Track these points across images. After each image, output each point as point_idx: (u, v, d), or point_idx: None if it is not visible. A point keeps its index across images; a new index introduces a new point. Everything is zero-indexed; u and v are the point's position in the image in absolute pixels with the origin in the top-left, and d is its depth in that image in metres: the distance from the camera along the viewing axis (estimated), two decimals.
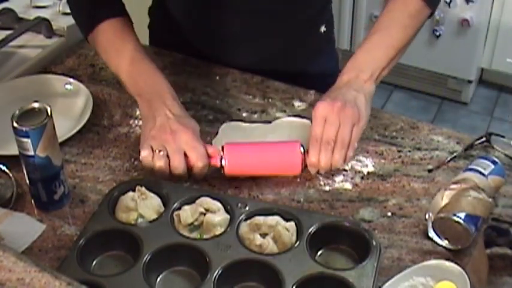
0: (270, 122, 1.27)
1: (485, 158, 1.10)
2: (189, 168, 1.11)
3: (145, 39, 1.53)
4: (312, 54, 1.44)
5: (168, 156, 1.10)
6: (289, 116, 1.29)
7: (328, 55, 1.50)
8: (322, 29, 1.41)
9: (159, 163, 1.10)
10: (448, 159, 1.18)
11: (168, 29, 1.43)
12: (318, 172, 1.14)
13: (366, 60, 1.19)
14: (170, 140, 1.11)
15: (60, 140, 1.10)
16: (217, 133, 1.24)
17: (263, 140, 1.22)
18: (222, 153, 1.12)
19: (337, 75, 1.52)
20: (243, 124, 1.27)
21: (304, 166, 1.13)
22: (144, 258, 0.97)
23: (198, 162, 1.10)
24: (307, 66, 1.44)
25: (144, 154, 1.11)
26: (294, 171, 1.14)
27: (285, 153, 1.14)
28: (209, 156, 1.12)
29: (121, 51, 1.25)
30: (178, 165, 1.10)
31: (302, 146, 1.13)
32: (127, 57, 1.24)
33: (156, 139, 1.12)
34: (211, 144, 1.20)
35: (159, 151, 1.10)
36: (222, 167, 1.12)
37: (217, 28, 1.36)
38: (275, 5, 1.32)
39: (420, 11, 1.24)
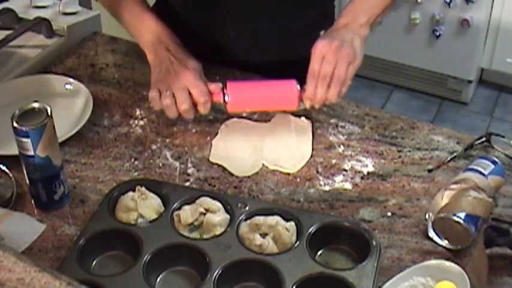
0: (269, 121, 1.27)
1: (485, 158, 1.10)
2: (194, 105, 1.19)
3: None
4: (309, 56, 1.44)
5: (173, 95, 1.18)
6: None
7: None
8: (321, 33, 1.41)
9: (166, 101, 1.18)
10: (448, 159, 1.18)
11: (169, 27, 1.43)
12: (312, 107, 1.21)
13: (362, 7, 1.27)
14: (174, 80, 1.20)
15: (60, 140, 1.10)
16: (216, 133, 1.24)
17: (262, 140, 1.22)
18: (224, 89, 1.19)
19: None
20: (243, 123, 1.27)
21: (300, 101, 1.20)
22: (144, 258, 0.97)
23: (200, 98, 1.18)
24: (305, 69, 1.44)
25: (152, 95, 1.19)
26: (291, 106, 1.21)
27: (283, 88, 1.21)
28: (212, 93, 1.19)
29: (125, 5, 1.32)
30: (183, 100, 1.17)
31: (298, 84, 1.20)
32: (130, 11, 1.31)
33: (162, 82, 1.21)
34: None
35: (166, 91, 1.18)
36: (225, 102, 1.19)
37: (216, 32, 1.37)
38: (274, 9, 1.34)
39: None
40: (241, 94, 1.20)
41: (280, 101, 1.21)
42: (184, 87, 1.19)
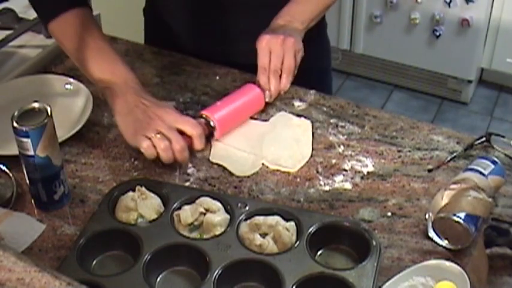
0: (268, 120, 1.27)
1: (485, 158, 1.10)
2: (188, 143, 1.15)
3: (140, 38, 1.53)
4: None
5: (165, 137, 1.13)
6: (283, 111, 1.29)
7: (319, 54, 1.52)
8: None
9: (162, 144, 1.12)
10: (448, 159, 1.18)
11: (162, 28, 1.43)
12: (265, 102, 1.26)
13: (298, 11, 1.31)
14: (160, 123, 1.14)
15: (60, 140, 1.10)
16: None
17: (262, 140, 1.22)
18: (207, 117, 1.19)
19: (330, 74, 1.56)
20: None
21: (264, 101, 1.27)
22: (144, 258, 0.97)
23: (194, 131, 1.15)
24: (300, 63, 1.45)
25: (146, 144, 1.12)
26: (260, 107, 1.28)
27: (252, 97, 1.26)
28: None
29: (86, 41, 1.24)
30: (177, 139, 1.13)
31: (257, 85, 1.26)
32: (92, 48, 1.24)
33: (146, 128, 1.14)
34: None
35: (156, 135, 1.12)
36: (212, 130, 1.20)
37: (200, 28, 1.37)
38: (260, 4, 1.34)
39: None
40: (223, 116, 1.21)
41: (253, 107, 1.27)
42: (172, 127, 1.14)
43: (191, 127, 1.15)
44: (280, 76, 1.25)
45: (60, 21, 1.26)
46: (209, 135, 1.20)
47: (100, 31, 1.28)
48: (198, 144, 1.15)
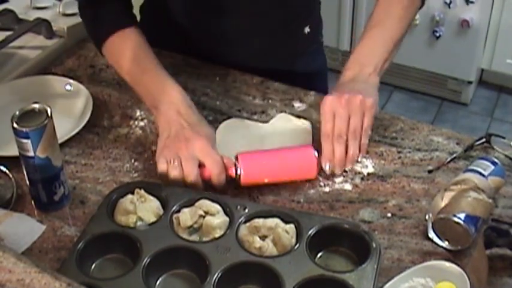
0: (267, 121, 1.27)
1: (485, 159, 1.10)
2: (207, 178, 1.10)
3: None
4: (295, 54, 1.45)
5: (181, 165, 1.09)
6: (283, 112, 1.29)
7: (314, 55, 1.51)
8: (306, 30, 1.42)
9: (173, 173, 1.08)
10: (448, 160, 1.18)
11: (160, 27, 1.44)
12: (333, 173, 1.13)
13: (368, 55, 1.21)
14: (183, 148, 1.10)
15: (60, 141, 1.10)
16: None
17: (262, 140, 1.22)
18: (236, 162, 1.11)
19: (325, 75, 1.55)
20: (241, 123, 1.27)
21: (320, 168, 1.13)
22: (144, 261, 0.97)
23: (214, 169, 1.08)
24: (293, 65, 1.45)
25: (162, 169, 1.10)
26: (309, 175, 1.13)
27: (300, 158, 1.13)
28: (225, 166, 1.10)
29: (133, 62, 1.24)
30: (190, 171, 1.08)
31: (315, 149, 1.13)
32: (139, 68, 1.23)
33: (169, 148, 1.11)
34: None
35: (173, 160, 1.09)
36: (238, 176, 1.10)
37: (201, 25, 1.37)
38: (255, 6, 1.33)
39: (412, 2, 1.28)
40: (255, 167, 1.12)
41: (298, 171, 1.13)
42: (194, 157, 1.09)
43: (212, 163, 1.09)
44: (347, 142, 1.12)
45: (111, 42, 1.25)
46: (236, 178, 1.11)
47: (150, 50, 1.26)
48: (215, 182, 1.09)
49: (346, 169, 1.16)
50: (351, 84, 1.16)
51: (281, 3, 1.36)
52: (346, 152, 1.13)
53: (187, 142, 1.10)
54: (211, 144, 1.11)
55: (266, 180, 1.12)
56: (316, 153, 1.12)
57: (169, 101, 1.18)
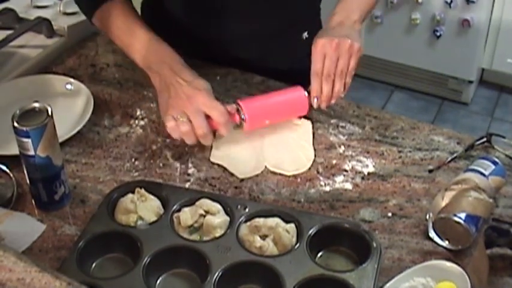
0: None
1: (486, 159, 1.10)
2: (214, 128, 1.16)
3: None
4: (292, 59, 1.45)
5: (190, 120, 1.14)
6: None
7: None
8: (305, 35, 1.42)
9: (184, 128, 1.14)
10: (449, 159, 1.18)
11: (159, 26, 1.43)
12: (318, 107, 1.22)
13: (353, 3, 1.30)
14: (187, 105, 1.15)
15: (60, 140, 1.10)
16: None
17: (262, 140, 1.22)
18: (240, 108, 1.18)
19: None
20: None
21: (310, 106, 1.23)
22: (144, 261, 0.97)
23: (220, 118, 1.15)
24: (292, 66, 1.45)
25: (170, 125, 1.15)
26: (302, 111, 1.24)
27: (292, 96, 1.23)
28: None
29: (122, 28, 1.27)
30: (200, 124, 1.14)
31: (305, 89, 1.22)
32: (129, 33, 1.27)
33: (174, 107, 1.16)
34: None
35: (181, 117, 1.14)
36: (242, 121, 1.18)
37: (202, 26, 1.37)
38: (254, 8, 1.34)
39: None
40: (256, 110, 1.20)
41: (292, 109, 1.24)
42: (199, 111, 1.15)
43: (218, 114, 1.15)
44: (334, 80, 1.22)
45: (104, 10, 1.29)
46: (239, 124, 1.19)
47: (137, 16, 1.31)
48: (223, 131, 1.17)
49: (347, 168, 1.17)
50: (338, 28, 1.24)
51: (280, 7, 1.36)
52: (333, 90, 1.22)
53: (190, 99, 1.15)
54: (211, 97, 1.17)
55: (267, 122, 1.21)
56: (306, 93, 1.22)
57: (161, 60, 1.22)
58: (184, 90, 1.17)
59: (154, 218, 1.05)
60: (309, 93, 1.22)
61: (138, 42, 1.26)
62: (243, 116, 1.18)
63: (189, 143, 1.16)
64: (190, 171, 1.17)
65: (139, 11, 1.48)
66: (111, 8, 1.29)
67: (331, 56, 1.20)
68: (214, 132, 1.17)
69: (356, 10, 1.28)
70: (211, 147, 1.21)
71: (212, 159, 1.19)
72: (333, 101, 1.23)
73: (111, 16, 1.29)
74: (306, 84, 1.36)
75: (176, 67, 1.21)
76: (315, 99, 1.22)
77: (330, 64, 1.20)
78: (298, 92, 1.23)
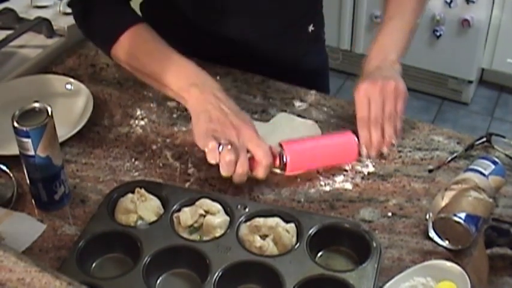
0: (268, 120, 1.27)
1: (486, 158, 1.10)
2: (252, 168, 1.09)
3: None
4: (300, 53, 1.45)
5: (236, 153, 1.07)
6: (284, 111, 1.29)
7: (317, 53, 1.52)
8: (310, 28, 1.42)
9: (229, 158, 1.05)
10: (449, 159, 1.18)
11: (160, 26, 1.43)
12: (368, 157, 1.16)
13: (389, 44, 1.25)
14: (234, 135, 1.08)
15: (60, 140, 1.10)
16: None
17: (263, 139, 1.21)
18: (282, 151, 1.10)
19: (327, 73, 1.56)
20: None
21: (358, 153, 1.16)
22: (144, 261, 0.97)
23: (264, 160, 1.07)
24: (297, 64, 1.45)
25: (213, 145, 1.06)
26: (350, 159, 1.16)
27: (341, 143, 1.16)
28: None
29: (155, 53, 1.21)
30: (243, 162, 1.06)
31: (354, 134, 1.16)
32: (164, 58, 1.20)
33: (218, 132, 1.08)
34: None
35: (228, 145, 1.06)
36: (284, 165, 1.11)
37: (206, 27, 1.37)
38: (262, 5, 1.33)
39: None
40: (300, 155, 1.12)
41: (339, 156, 1.16)
42: (244, 146, 1.07)
43: (262, 154, 1.07)
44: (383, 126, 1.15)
45: (125, 39, 1.22)
46: (280, 168, 1.12)
47: (163, 41, 1.22)
48: (261, 173, 1.08)
49: (347, 168, 1.16)
50: (378, 71, 1.20)
51: (287, 3, 1.35)
52: (383, 136, 1.16)
53: (237, 130, 1.08)
54: (258, 134, 1.10)
55: (309, 168, 1.14)
56: (356, 138, 1.15)
57: (203, 83, 1.14)
58: (232, 118, 1.09)
59: (154, 218, 1.05)
60: (358, 140, 1.15)
61: (175, 65, 1.18)
62: (284, 160, 1.10)
63: (224, 173, 1.07)
64: (190, 171, 1.17)
65: (138, 10, 1.48)
66: (138, 35, 1.22)
67: (376, 99, 1.14)
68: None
69: (392, 50, 1.24)
70: None
71: None
72: (385, 149, 1.16)
73: (139, 42, 1.22)
74: (303, 85, 1.36)
75: (220, 94, 1.13)
76: (364, 148, 1.15)
77: (377, 109, 1.14)
78: (348, 138, 1.15)
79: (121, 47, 1.22)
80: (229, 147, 1.05)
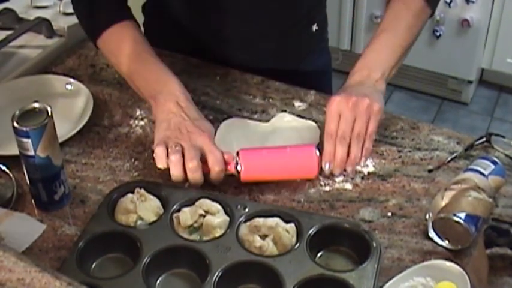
0: (268, 121, 1.27)
1: (486, 158, 1.10)
2: (206, 173, 1.09)
3: None
4: (304, 53, 1.45)
5: (183, 153, 1.08)
6: (284, 111, 1.29)
7: (320, 53, 1.52)
8: (314, 27, 1.42)
9: (174, 157, 1.07)
10: (449, 159, 1.18)
11: (162, 27, 1.43)
12: (331, 173, 1.13)
13: (375, 60, 1.21)
14: (186, 139, 1.09)
15: (60, 140, 1.10)
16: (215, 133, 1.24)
17: (264, 140, 1.22)
18: (237, 158, 1.10)
19: (330, 73, 1.55)
20: (242, 123, 1.27)
21: (320, 169, 1.13)
22: (144, 261, 0.97)
23: (215, 166, 1.08)
24: (300, 64, 1.45)
25: (159, 150, 1.08)
26: (310, 175, 1.13)
27: (301, 156, 1.12)
28: (224, 163, 1.09)
29: (131, 54, 1.24)
30: (193, 157, 1.07)
31: (318, 149, 1.12)
32: (138, 60, 1.23)
33: (171, 138, 1.10)
34: None
35: (175, 146, 1.08)
36: (238, 172, 1.10)
37: (208, 28, 1.36)
38: (265, 5, 1.33)
39: (422, 10, 1.27)
40: (256, 164, 1.11)
41: (298, 169, 1.12)
42: (196, 147, 1.08)
43: (214, 160, 1.08)
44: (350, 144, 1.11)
45: (108, 35, 1.25)
46: (235, 174, 1.11)
47: (147, 44, 1.26)
48: (214, 178, 1.09)
49: (346, 170, 1.16)
50: (358, 87, 1.16)
51: (292, 3, 1.35)
52: (348, 154, 1.12)
53: (190, 135, 1.10)
54: (212, 141, 1.12)
55: (266, 178, 1.12)
56: (317, 153, 1.11)
57: (168, 92, 1.17)
58: (187, 125, 1.11)
59: (154, 218, 1.05)
60: (321, 154, 1.12)
61: (148, 71, 1.21)
62: (239, 167, 1.10)
63: (174, 174, 1.08)
64: None
65: (140, 11, 1.49)
66: (120, 32, 1.25)
67: (347, 116, 1.10)
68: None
69: (378, 67, 1.18)
70: None
71: None
72: (348, 168, 1.12)
73: (119, 41, 1.25)
74: (306, 85, 1.36)
75: (184, 103, 1.15)
76: (327, 164, 1.12)
77: (346, 125, 1.10)
78: (309, 152, 1.11)
79: (103, 42, 1.27)
80: (176, 148, 1.07)
